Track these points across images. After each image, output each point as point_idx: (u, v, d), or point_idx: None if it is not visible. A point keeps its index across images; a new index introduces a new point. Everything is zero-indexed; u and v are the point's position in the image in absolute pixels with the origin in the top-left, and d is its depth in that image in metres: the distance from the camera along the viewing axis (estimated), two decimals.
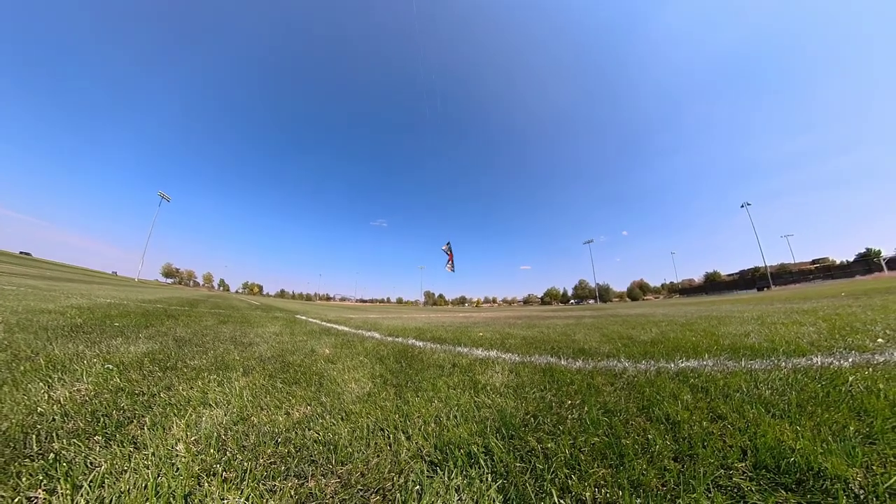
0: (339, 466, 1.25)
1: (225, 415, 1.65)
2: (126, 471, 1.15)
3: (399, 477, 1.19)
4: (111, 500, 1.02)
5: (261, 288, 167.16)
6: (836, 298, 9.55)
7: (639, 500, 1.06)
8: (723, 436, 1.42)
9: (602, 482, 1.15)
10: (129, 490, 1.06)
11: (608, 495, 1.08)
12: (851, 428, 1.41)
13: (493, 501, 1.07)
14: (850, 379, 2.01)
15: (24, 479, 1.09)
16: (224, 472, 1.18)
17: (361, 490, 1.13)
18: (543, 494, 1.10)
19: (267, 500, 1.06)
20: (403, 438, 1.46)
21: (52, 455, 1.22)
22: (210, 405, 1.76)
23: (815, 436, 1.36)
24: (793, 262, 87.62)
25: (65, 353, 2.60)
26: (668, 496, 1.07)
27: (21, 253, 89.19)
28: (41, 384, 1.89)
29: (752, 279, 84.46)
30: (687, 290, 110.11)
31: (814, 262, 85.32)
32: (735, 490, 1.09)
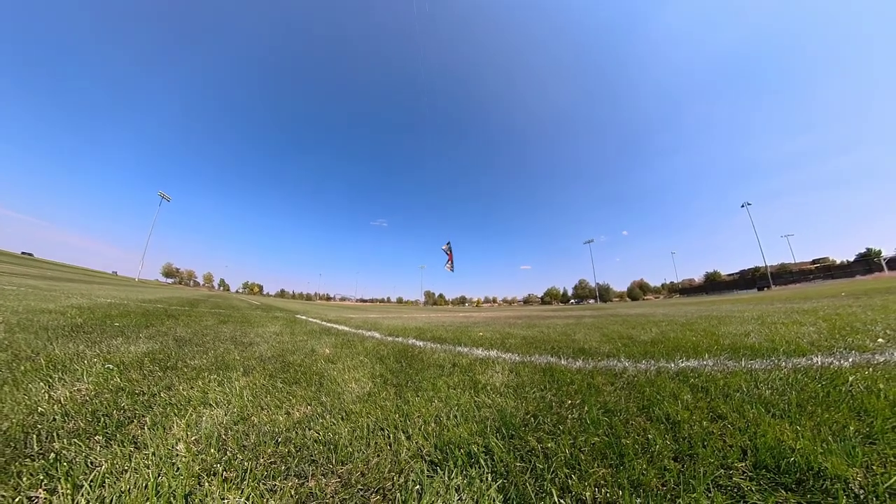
0: (340, 466, 1.25)
1: (225, 414, 1.65)
2: (126, 470, 1.15)
3: (399, 476, 1.19)
4: (112, 500, 1.02)
5: (261, 288, 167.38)
6: (836, 298, 9.55)
7: (639, 500, 1.06)
8: (723, 435, 1.42)
9: (602, 482, 1.15)
10: (129, 490, 1.06)
11: (608, 495, 1.08)
12: (851, 428, 1.41)
13: (494, 501, 1.08)
14: (851, 379, 2.00)
15: (24, 479, 1.09)
16: (224, 472, 1.18)
17: (362, 490, 1.13)
18: (543, 494, 1.10)
19: (267, 499, 1.06)
20: (403, 438, 1.46)
21: (52, 455, 1.22)
22: (210, 405, 1.76)
23: (815, 436, 1.36)
24: (793, 261, 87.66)
25: (65, 352, 2.60)
26: (668, 496, 1.08)
27: (23, 253, 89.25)
28: (42, 384, 1.89)
29: (752, 279, 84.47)
30: (687, 289, 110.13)
31: (814, 261, 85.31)
32: (735, 490, 1.09)
